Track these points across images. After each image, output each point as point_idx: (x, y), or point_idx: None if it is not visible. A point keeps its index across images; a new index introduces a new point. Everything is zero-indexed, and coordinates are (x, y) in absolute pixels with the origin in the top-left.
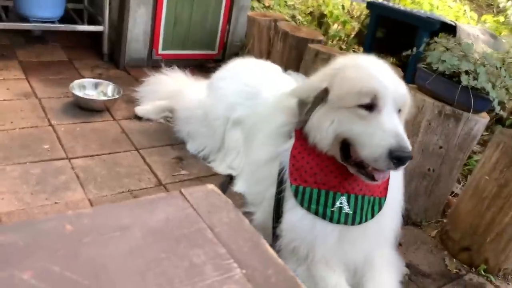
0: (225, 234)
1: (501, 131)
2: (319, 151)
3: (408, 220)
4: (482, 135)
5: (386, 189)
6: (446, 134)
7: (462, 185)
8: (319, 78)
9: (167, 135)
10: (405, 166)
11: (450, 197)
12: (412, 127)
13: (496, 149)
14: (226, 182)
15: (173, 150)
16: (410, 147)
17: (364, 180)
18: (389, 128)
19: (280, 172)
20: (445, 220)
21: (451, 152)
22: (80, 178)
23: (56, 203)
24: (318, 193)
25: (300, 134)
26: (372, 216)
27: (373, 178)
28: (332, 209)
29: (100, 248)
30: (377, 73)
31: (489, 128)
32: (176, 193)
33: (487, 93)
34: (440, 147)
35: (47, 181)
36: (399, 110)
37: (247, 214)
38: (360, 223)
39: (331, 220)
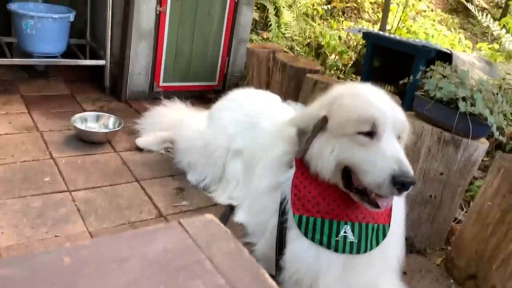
0: (225, 264)
1: (501, 156)
2: (321, 180)
3: (412, 248)
4: (482, 161)
5: (389, 216)
6: (446, 160)
7: (465, 212)
8: (317, 107)
9: (168, 166)
10: (408, 191)
11: (453, 223)
12: (412, 153)
13: (497, 175)
14: (227, 213)
15: (174, 181)
16: (412, 172)
17: (367, 208)
18: (390, 154)
19: (282, 202)
20: (449, 248)
21: (452, 178)
22: (81, 210)
23: (56, 236)
24: (322, 223)
25: (301, 163)
26: (377, 243)
27: (376, 205)
28: (337, 239)
29: (98, 280)
30: (375, 100)
31: (489, 153)
32: (174, 223)
33: (485, 119)
34: (441, 173)
35: (48, 214)
36: (398, 137)
37: (249, 245)
38: (365, 251)
39: (336, 250)
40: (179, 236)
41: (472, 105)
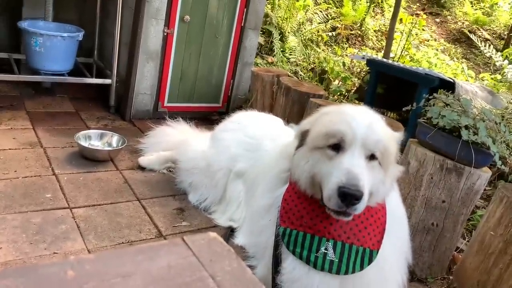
0: (227, 283)
1: (503, 186)
2: (308, 194)
3: (413, 276)
4: (484, 190)
5: (380, 242)
6: (448, 188)
7: (467, 241)
8: (306, 121)
9: (169, 186)
10: (355, 206)
11: (455, 252)
12: (414, 181)
13: (500, 204)
14: (227, 235)
15: (175, 201)
16: (361, 186)
17: (339, 218)
18: (344, 167)
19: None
20: (451, 277)
21: (454, 207)
22: (81, 228)
23: (55, 253)
24: (303, 236)
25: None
26: (361, 267)
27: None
28: (316, 255)
29: None
30: (350, 117)
31: (491, 183)
32: (178, 240)
33: (488, 148)
34: (443, 201)
35: (47, 231)
36: (373, 156)
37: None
38: (346, 273)
39: (314, 266)
40: (183, 253)
41: (475, 133)
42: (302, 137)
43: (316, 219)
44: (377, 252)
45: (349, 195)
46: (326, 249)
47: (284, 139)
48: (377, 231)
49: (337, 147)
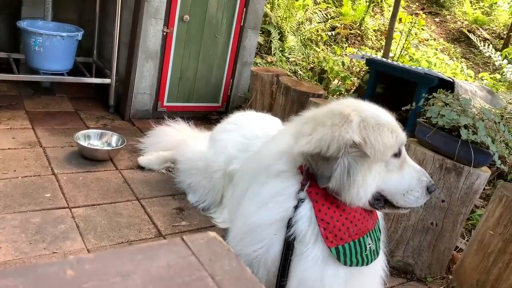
0: (227, 282)
1: (503, 185)
2: (345, 205)
3: (412, 275)
4: (484, 189)
5: (377, 218)
6: (448, 187)
7: (466, 240)
8: (342, 131)
9: (168, 186)
10: None
11: (455, 252)
12: None
13: (499, 204)
14: (225, 236)
15: (174, 201)
16: None
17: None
18: (418, 168)
19: (289, 237)
20: (450, 276)
21: (454, 206)
22: (80, 227)
23: (54, 253)
24: (354, 245)
25: (320, 194)
26: (379, 241)
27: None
28: (366, 253)
29: None
30: (394, 122)
31: (491, 182)
32: (178, 240)
33: (487, 147)
34: (443, 201)
35: (47, 230)
36: None
37: None
38: (378, 253)
39: (367, 264)
40: (182, 253)
41: (474, 133)
42: (352, 151)
43: (359, 224)
44: (379, 222)
45: (435, 188)
46: (369, 243)
47: (275, 143)
48: (374, 212)
49: (398, 154)
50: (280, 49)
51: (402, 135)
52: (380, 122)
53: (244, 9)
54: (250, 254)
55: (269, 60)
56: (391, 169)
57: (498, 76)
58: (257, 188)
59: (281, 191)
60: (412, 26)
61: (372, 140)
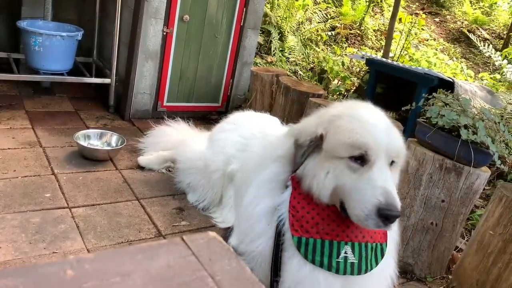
0: (226, 282)
1: (503, 186)
2: (323, 203)
3: (412, 275)
4: (484, 189)
5: (385, 234)
6: (447, 187)
7: (466, 240)
8: (315, 122)
9: (168, 185)
10: (393, 224)
11: (455, 252)
12: (413, 180)
13: (499, 204)
14: (226, 234)
15: (174, 201)
16: (399, 205)
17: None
18: (379, 184)
19: (278, 225)
20: (450, 276)
21: (454, 206)
22: (80, 227)
23: (54, 252)
24: (321, 244)
25: (297, 182)
26: (376, 263)
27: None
28: (338, 260)
29: None
30: (370, 126)
31: (491, 182)
32: (178, 240)
33: (487, 147)
34: (442, 201)
35: (47, 230)
36: (392, 162)
37: None
38: (365, 271)
39: (337, 272)
40: (182, 253)
41: (474, 133)
42: (312, 142)
43: (333, 224)
44: (386, 244)
45: (391, 217)
46: (346, 252)
47: (270, 138)
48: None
49: (360, 158)
50: (280, 49)
51: (363, 140)
52: (350, 122)
53: (244, 9)
54: (253, 251)
55: (269, 60)
56: (348, 171)
57: (498, 76)
58: (257, 176)
59: (274, 177)
60: (412, 26)
61: (330, 135)
